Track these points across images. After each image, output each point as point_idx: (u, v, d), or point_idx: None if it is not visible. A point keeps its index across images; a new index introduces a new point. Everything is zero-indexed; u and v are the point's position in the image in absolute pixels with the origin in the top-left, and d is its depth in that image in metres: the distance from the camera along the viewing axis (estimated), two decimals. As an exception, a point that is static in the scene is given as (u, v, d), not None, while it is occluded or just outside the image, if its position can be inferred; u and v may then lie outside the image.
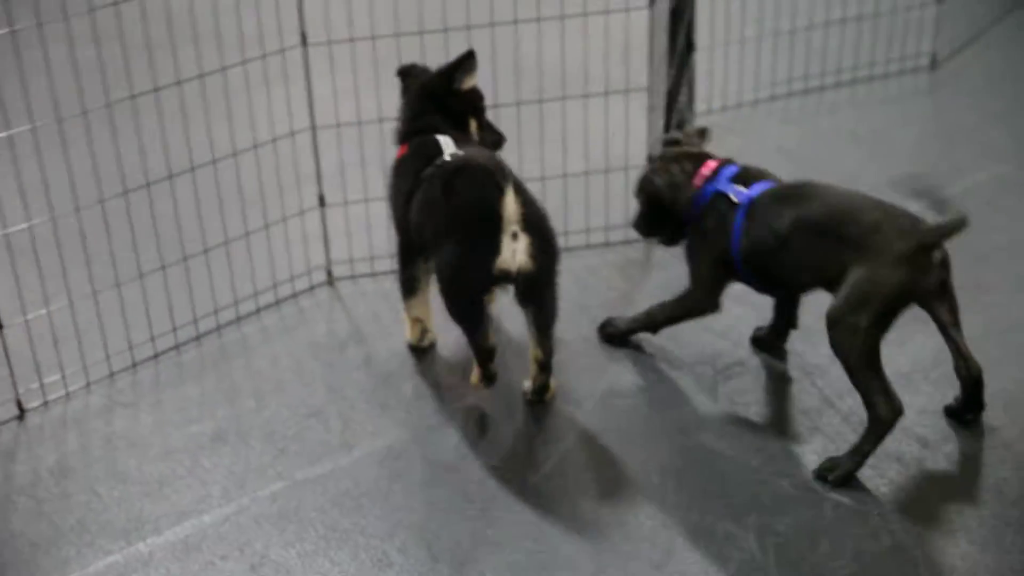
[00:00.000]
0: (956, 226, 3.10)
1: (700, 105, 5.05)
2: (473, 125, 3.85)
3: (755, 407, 3.49)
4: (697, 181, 3.58)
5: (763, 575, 2.90)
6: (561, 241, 4.18)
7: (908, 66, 5.28)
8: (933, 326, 3.65)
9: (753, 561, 2.94)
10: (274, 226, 4.18)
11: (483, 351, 3.46)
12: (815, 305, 3.45)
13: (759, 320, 3.76)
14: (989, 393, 3.41)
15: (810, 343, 3.63)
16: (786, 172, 4.53)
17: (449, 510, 3.18)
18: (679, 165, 3.62)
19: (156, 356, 3.82)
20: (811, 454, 3.30)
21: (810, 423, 3.43)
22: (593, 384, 3.62)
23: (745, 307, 3.82)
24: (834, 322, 3.17)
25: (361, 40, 4.21)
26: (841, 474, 3.18)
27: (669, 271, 4.06)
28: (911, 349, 3.65)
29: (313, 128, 4.11)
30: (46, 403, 3.63)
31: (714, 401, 3.52)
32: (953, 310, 3.29)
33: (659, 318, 3.71)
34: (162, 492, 3.29)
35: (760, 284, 3.53)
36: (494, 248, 3.29)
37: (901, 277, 3.12)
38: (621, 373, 3.68)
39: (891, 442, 3.26)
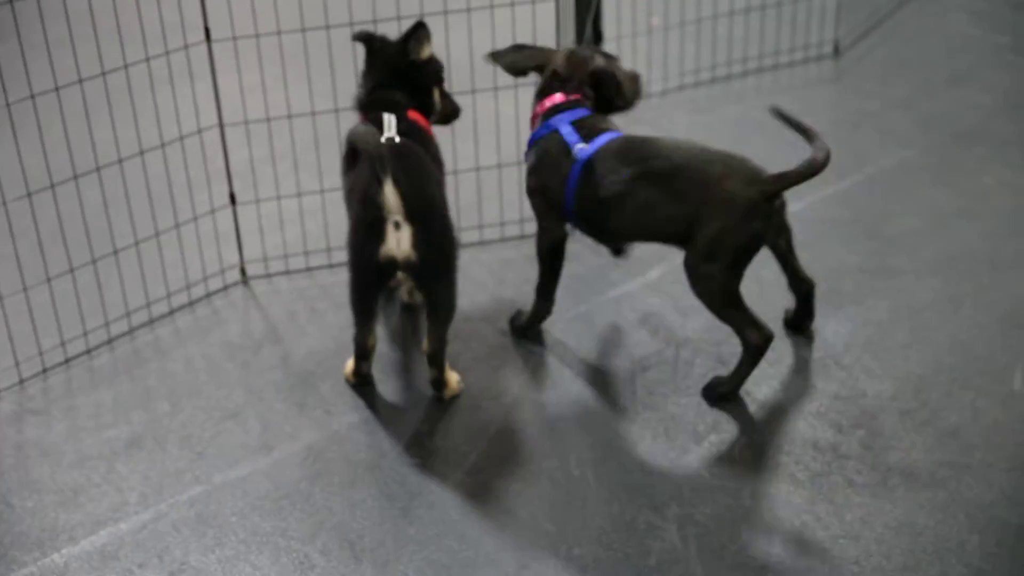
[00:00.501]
0: (800, 175, 3.26)
1: (609, 95, 5.09)
2: (436, 95, 3.87)
3: (673, 397, 3.52)
4: (539, 109, 3.69)
5: (684, 566, 2.92)
6: (475, 235, 4.24)
7: (812, 54, 5.36)
8: (842, 313, 3.75)
9: (674, 551, 2.96)
10: (184, 225, 4.14)
11: (360, 347, 3.54)
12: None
13: (675, 310, 3.79)
14: (895, 381, 3.49)
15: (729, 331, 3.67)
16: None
17: (371, 510, 3.17)
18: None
19: (67, 361, 3.77)
20: (729, 444, 3.34)
21: (728, 413, 3.46)
22: (511, 379, 3.63)
23: (661, 296, 3.87)
24: (692, 272, 3.35)
25: (267, 36, 4.19)
26: (724, 391, 3.45)
27: (585, 263, 4.10)
28: (823, 336, 3.70)
29: (221, 125, 4.07)
30: (-46, 411, 3.58)
31: (632, 392, 3.55)
32: (789, 240, 3.56)
33: (539, 283, 3.74)
34: (77, 500, 3.24)
35: (592, 234, 3.68)
36: (378, 236, 3.31)
37: (750, 227, 3.28)
38: (538, 367, 3.69)
39: (807, 428, 3.33)
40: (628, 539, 3.02)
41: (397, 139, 3.50)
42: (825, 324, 3.72)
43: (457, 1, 4.43)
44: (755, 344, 3.37)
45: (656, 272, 4.01)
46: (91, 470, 3.34)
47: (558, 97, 3.64)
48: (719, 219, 3.26)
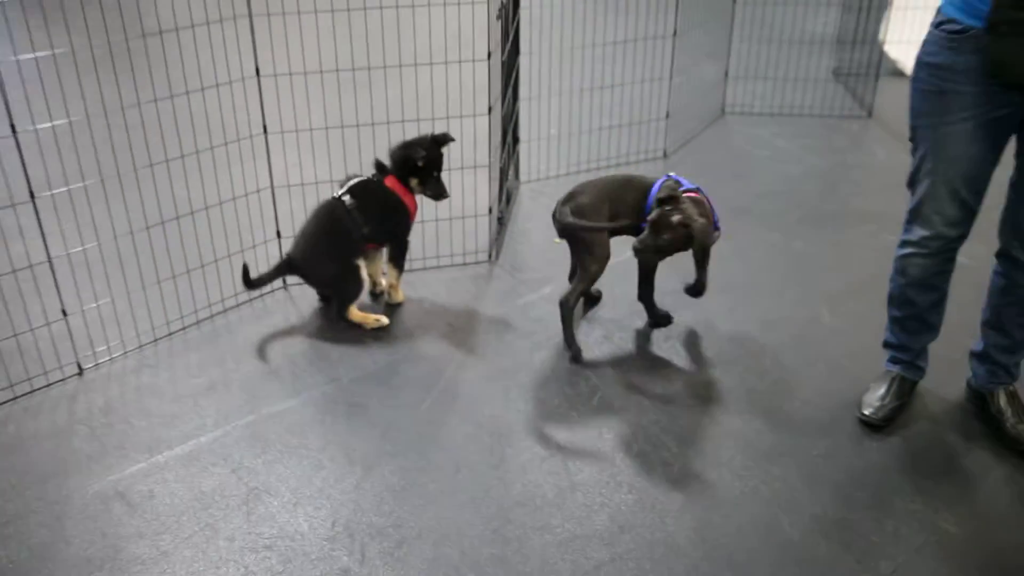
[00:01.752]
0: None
1: (523, 176, 5.16)
2: (414, 183, 3.80)
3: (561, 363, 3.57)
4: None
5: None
6: (435, 262, 4.26)
7: (650, 156, 5.44)
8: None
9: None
10: (247, 251, 4.13)
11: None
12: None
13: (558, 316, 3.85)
14: (696, 361, 3.57)
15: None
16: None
17: (361, 433, 3.20)
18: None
19: (170, 335, 3.75)
20: (609, 429, 3.40)
21: (610, 397, 3.50)
22: (460, 350, 3.63)
23: (553, 285, 3.94)
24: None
25: (304, 131, 4.20)
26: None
27: (503, 281, 4.12)
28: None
29: (272, 188, 4.08)
30: (97, 365, 3.55)
31: (530, 358, 3.58)
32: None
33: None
34: (173, 423, 3.25)
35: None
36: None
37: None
38: (477, 344, 3.66)
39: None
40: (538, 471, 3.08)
41: (337, 196, 3.68)
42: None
43: (424, 111, 4.44)
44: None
45: (547, 288, 4.08)
46: (183, 404, 3.35)
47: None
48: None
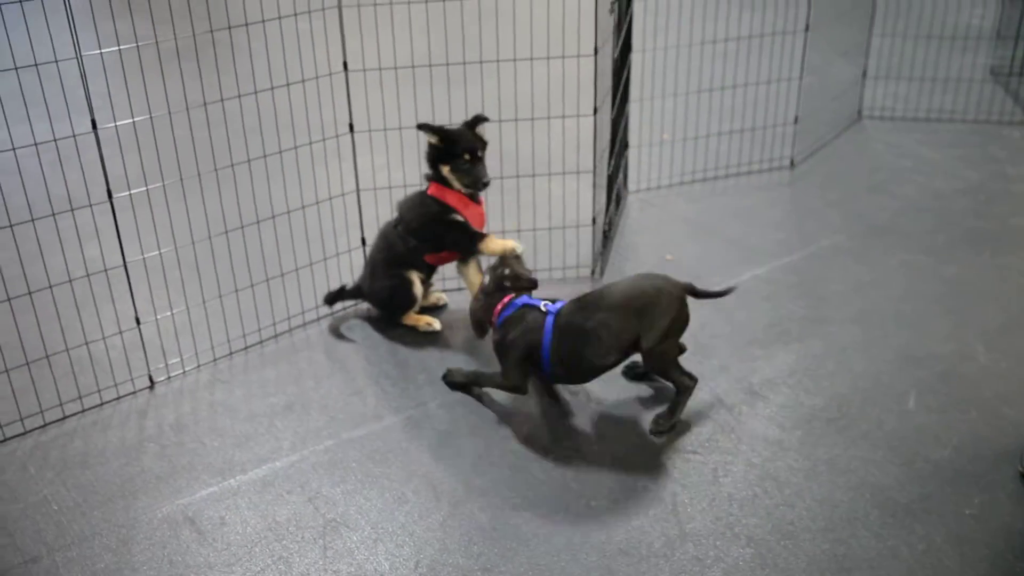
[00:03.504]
0: (707, 293, 3.41)
1: (632, 185, 5.11)
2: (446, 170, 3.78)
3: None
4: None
5: (670, 504, 2.92)
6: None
7: (775, 165, 5.34)
8: (789, 348, 3.71)
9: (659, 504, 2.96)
10: (329, 260, 4.19)
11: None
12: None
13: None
14: (825, 398, 3.46)
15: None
16: (689, 236, 4.62)
17: (448, 465, 3.18)
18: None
19: (246, 348, 3.81)
20: (700, 433, 3.33)
21: (696, 409, 3.45)
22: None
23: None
24: (649, 352, 3.26)
25: (392, 130, 4.24)
26: (668, 426, 3.29)
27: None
28: (774, 363, 3.67)
29: (358, 191, 4.12)
30: (169, 378, 3.63)
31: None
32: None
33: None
34: (247, 444, 3.29)
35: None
36: None
37: (686, 314, 3.31)
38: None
39: (759, 427, 3.31)
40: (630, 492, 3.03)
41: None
42: (776, 355, 3.70)
43: (525, 112, 4.45)
44: (688, 386, 3.33)
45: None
46: (258, 423, 3.39)
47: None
48: (668, 314, 3.24)
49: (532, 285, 3.46)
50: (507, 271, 3.47)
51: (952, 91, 6.11)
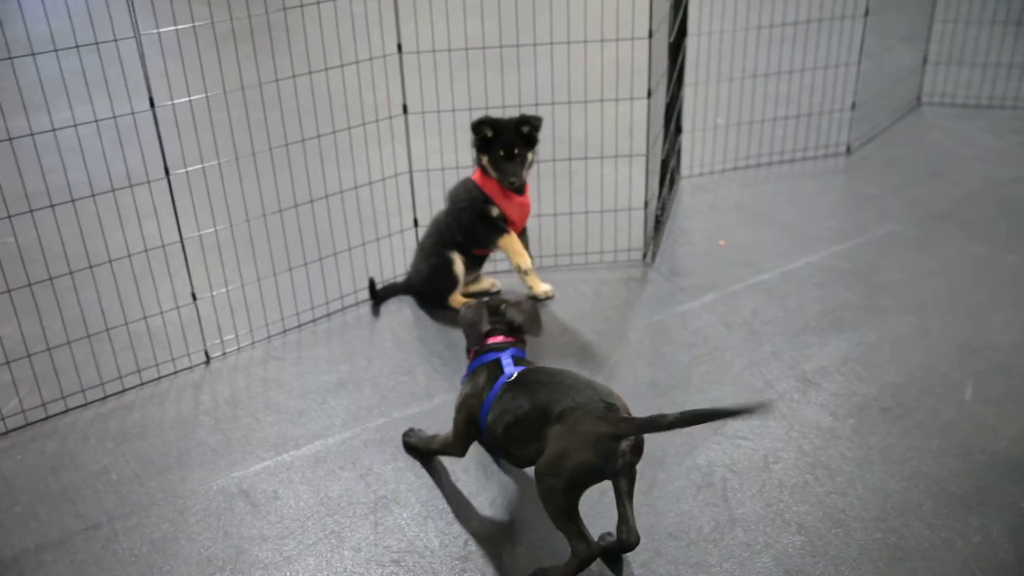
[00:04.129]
0: (649, 426, 2.49)
1: (684, 170, 5.08)
2: (484, 159, 3.80)
3: (717, 385, 3.49)
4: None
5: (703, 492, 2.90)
6: (582, 259, 4.25)
7: (830, 151, 5.28)
8: (843, 336, 3.67)
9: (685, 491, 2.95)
10: (382, 240, 4.23)
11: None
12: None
13: (722, 324, 3.77)
14: (879, 387, 3.43)
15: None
16: (742, 222, 4.59)
17: (500, 444, 3.21)
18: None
19: (299, 325, 3.86)
20: (754, 419, 3.31)
21: (752, 396, 3.43)
22: (605, 358, 3.61)
23: (716, 293, 3.84)
24: (538, 478, 2.60)
25: (446, 112, 4.26)
26: None
27: (659, 286, 4.09)
28: (827, 351, 3.63)
29: (411, 172, 4.14)
30: (224, 354, 3.69)
31: (688, 378, 3.52)
32: (631, 483, 2.69)
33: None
34: (300, 420, 3.34)
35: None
36: None
37: (586, 457, 2.51)
38: (624, 359, 3.62)
39: (812, 415, 3.28)
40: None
41: None
42: (829, 343, 3.66)
43: (579, 95, 4.44)
44: (582, 555, 2.59)
45: (710, 296, 4.00)
46: (311, 400, 3.43)
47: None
48: (564, 442, 2.54)
49: (517, 336, 3.01)
50: (507, 312, 3.01)
51: (1016, 77, 5.98)
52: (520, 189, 3.83)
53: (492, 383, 2.85)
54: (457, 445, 2.98)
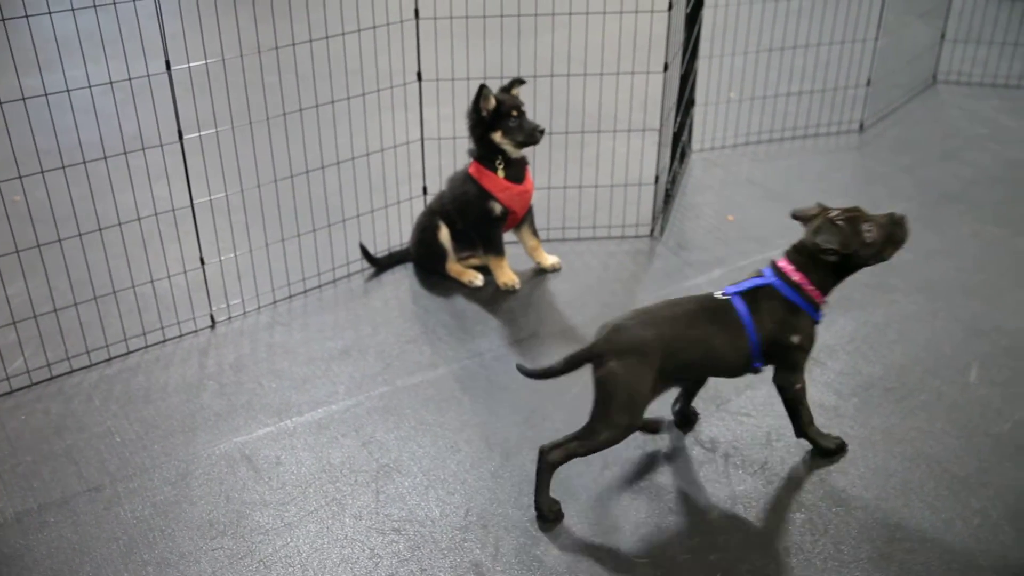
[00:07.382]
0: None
1: (695, 144, 5.00)
2: (498, 136, 3.71)
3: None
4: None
5: (714, 467, 2.88)
6: (590, 232, 4.20)
7: (843, 128, 5.20)
8: (850, 315, 3.61)
9: (713, 463, 2.92)
10: (391, 207, 4.19)
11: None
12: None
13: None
14: (884, 367, 3.37)
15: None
16: (752, 197, 4.52)
17: (502, 416, 3.17)
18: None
19: (305, 292, 3.83)
20: (760, 394, 3.27)
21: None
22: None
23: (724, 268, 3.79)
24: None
25: (460, 80, 4.20)
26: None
27: (667, 260, 4.03)
28: (834, 329, 3.59)
29: (422, 140, 4.11)
30: (230, 318, 3.67)
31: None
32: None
33: None
34: (304, 387, 3.31)
35: None
36: None
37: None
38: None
39: (816, 393, 3.23)
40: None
41: None
42: (836, 321, 3.61)
43: (595, 67, 4.37)
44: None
45: (717, 271, 3.94)
46: (315, 367, 3.41)
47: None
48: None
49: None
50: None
51: (1034, 57, 5.87)
52: (521, 175, 3.75)
53: None
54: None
